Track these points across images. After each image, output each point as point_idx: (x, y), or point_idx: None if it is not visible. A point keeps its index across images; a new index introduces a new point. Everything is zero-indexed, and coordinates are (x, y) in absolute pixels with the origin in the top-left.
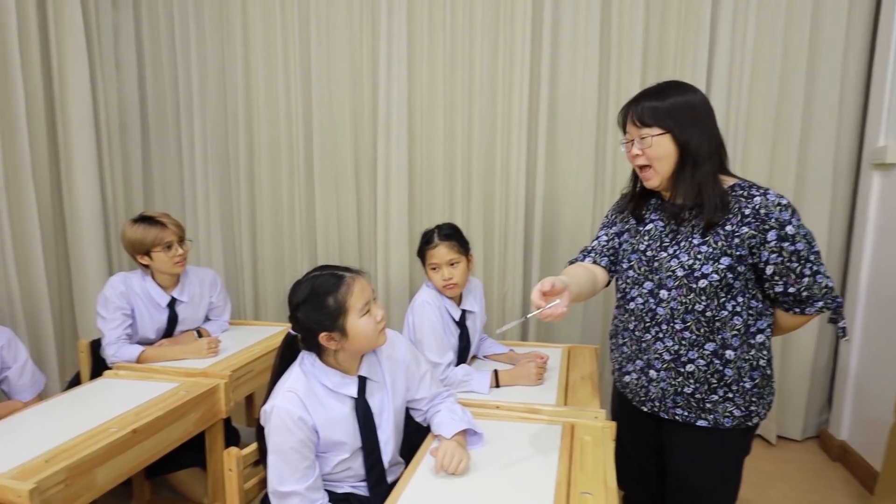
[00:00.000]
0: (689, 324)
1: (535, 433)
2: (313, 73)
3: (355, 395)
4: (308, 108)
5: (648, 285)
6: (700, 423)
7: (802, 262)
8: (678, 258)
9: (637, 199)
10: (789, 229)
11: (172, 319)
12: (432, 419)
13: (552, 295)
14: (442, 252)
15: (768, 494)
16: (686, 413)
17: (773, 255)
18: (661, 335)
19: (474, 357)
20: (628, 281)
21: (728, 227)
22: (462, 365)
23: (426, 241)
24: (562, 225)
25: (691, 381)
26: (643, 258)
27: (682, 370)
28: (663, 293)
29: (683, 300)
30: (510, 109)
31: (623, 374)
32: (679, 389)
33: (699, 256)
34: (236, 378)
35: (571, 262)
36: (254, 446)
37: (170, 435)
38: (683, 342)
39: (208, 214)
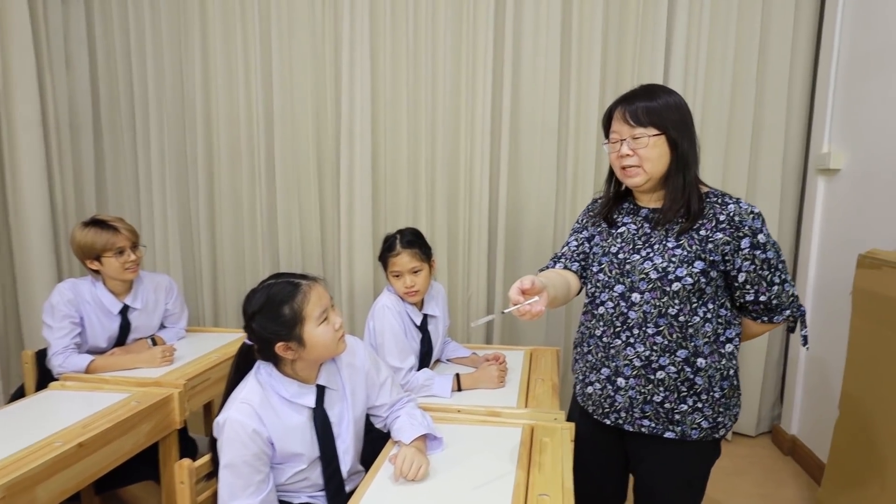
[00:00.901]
0: (661, 328)
1: (495, 436)
2: (274, 72)
3: (313, 406)
4: (269, 109)
5: (620, 288)
6: (667, 434)
7: (772, 270)
8: (651, 260)
9: (611, 204)
10: (761, 237)
11: (125, 327)
12: (392, 425)
13: (531, 293)
14: (404, 260)
15: (724, 489)
16: (653, 424)
17: (746, 263)
18: (632, 340)
19: (437, 361)
20: (598, 285)
21: (703, 232)
22: (424, 369)
23: (388, 248)
24: (525, 228)
25: (661, 388)
26: (614, 261)
27: (653, 377)
28: (636, 296)
29: (657, 303)
30: (473, 112)
31: (586, 385)
32: (648, 398)
33: (673, 259)
34: (192, 387)
35: (542, 271)
36: (207, 458)
37: (119, 448)
38: (655, 347)
39: (165, 218)
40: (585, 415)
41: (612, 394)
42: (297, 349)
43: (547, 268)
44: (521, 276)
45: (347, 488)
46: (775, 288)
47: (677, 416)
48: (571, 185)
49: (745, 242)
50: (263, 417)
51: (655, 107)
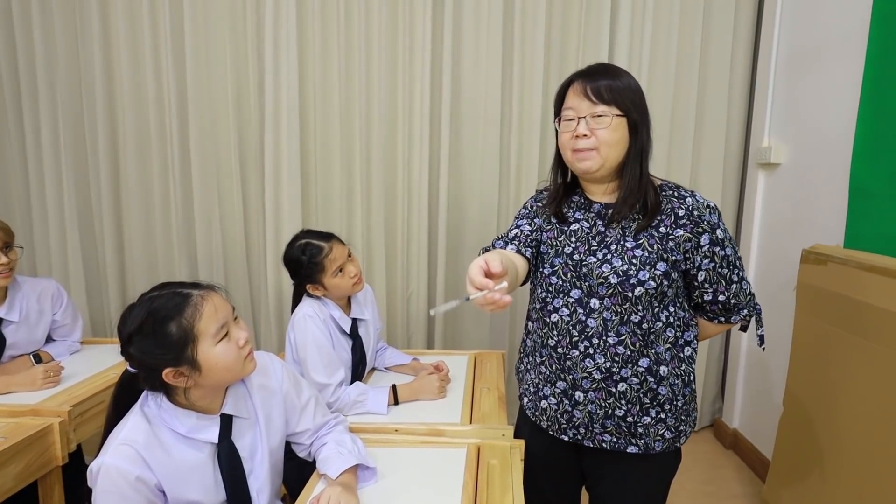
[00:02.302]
0: (623, 337)
1: (436, 461)
2: (187, 48)
3: (216, 441)
4: (182, 91)
5: (576, 293)
6: (630, 449)
7: (731, 267)
8: (610, 263)
9: (560, 196)
10: (719, 233)
11: None
12: (318, 454)
13: (498, 278)
14: (339, 251)
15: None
16: (615, 439)
17: (706, 261)
18: (591, 351)
19: (373, 370)
20: (550, 289)
21: (662, 229)
22: (356, 383)
23: (315, 253)
24: (467, 223)
25: (623, 402)
26: (569, 262)
27: (614, 390)
28: (594, 302)
29: (618, 309)
30: (411, 101)
31: (540, 399)
32: (609, 412)
33: (634, 261)
34: (80, 413)
35: (485, 251)
36: None
37: None
38: (616, 358)
39: (62, 216)
40: (537, 430)
41: (570, 409)
42: (190, 374)
43: (493, 247)
44: (463, 274)
45: None
46: (734, 287)
47: (640, 430)
48: (515, 177)
49: (704, 239)
50: (150, 460)
51: (619, 86)
